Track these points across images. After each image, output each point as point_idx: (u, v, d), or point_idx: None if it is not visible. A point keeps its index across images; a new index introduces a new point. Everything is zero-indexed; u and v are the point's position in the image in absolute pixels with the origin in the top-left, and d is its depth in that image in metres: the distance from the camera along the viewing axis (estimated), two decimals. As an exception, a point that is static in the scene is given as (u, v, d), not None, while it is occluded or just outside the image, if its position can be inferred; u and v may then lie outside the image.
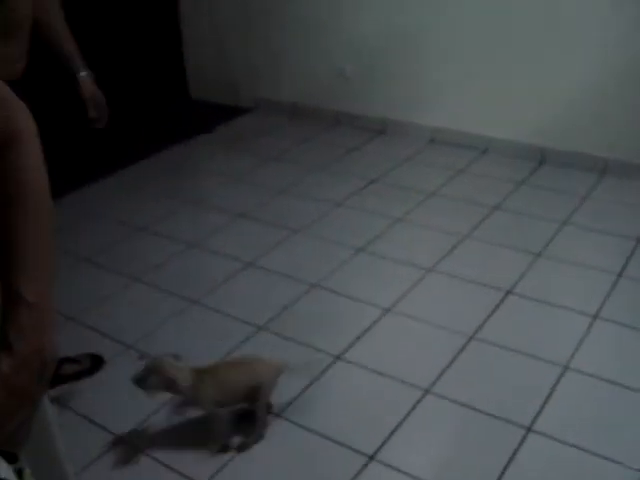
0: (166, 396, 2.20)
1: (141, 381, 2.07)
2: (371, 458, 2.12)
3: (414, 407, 2.30)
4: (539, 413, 2.25)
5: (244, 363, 2.24)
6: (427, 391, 2.36)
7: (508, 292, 2.85)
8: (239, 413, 2.24)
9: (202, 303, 2.87)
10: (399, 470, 2.07)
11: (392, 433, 2.20)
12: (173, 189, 3.87)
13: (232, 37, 4.78)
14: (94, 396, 2.43)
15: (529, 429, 2.19)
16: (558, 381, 2.38)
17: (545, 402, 2.30)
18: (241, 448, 2.17)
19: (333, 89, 4.49)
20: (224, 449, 2.16)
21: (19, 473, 0.95)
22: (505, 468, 2.06)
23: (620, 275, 2.94)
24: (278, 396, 2.27)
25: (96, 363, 2.57)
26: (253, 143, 4.44)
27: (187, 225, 3.49)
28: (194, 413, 2.25)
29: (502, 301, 2.81)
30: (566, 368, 2.44)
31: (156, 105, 4.76)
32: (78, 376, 2.52)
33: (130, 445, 2.22)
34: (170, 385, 2.08)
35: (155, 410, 2.32)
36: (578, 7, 3.53)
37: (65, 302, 2.81)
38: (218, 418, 2.16)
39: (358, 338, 2.63)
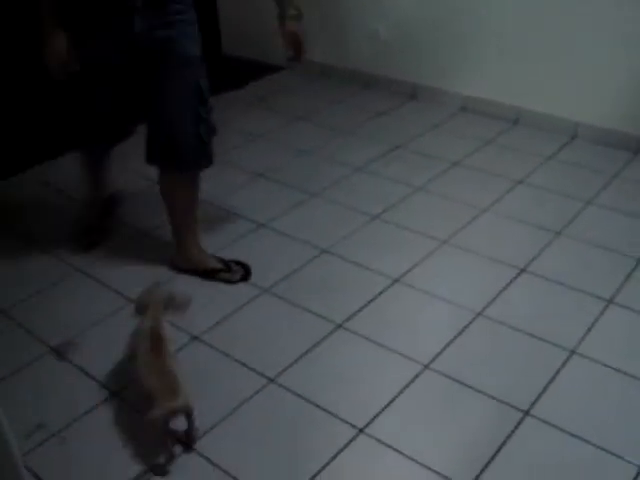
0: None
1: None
2: (360, 431, 2.08)
3: (410, 382, 2.25)
4: (538, 397, 2.19)
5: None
6: (426, 367, 2.31)
7: (522, 270, 2.77)
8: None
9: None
10: (387, 445, 2.03)
11: (385, 408, 2.16)
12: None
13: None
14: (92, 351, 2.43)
15: (527, 413, 2.13)
16: (563, 365, 2.31)
17: (546, 387, 2.23)
18: None
19: (366, 51, 4.39)
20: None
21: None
22: (498, 450, 2.01)
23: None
24: (277, 362, 2.25)
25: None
26: (282, 102, 4.37)
27: (204, 183, 3.44)
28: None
29: (515, 279, 2.73)
30: (573, 352, 2.37)
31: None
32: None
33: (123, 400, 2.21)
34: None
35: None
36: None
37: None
38: None
39: (362, 307, 2.58)
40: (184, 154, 2.57)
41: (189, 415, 2.00)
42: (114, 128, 2.73)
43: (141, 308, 2.25)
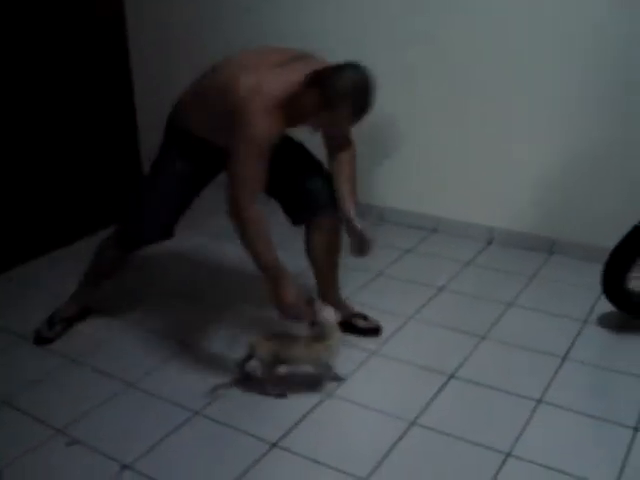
0: None
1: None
2: None
3: (349, 498, 2.22)
4: (478, 504, 2.18)
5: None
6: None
7: (451, 376, 2.80)
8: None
9: (138, 386, 2.77)
10: None
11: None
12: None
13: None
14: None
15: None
16: (500, 469, 2.32)
17: (485, 492, 2.23)
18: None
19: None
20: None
21: None
22: None
23: (565, 358, 2.92)
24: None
25: None
26: (209, 220, 4.38)
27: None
28: None
29: (444, 385, 2.75)
30: (508, 455, 2.38)
31: (109, 184, 4.70)
32: None
33: None
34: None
35: None
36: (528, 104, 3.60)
37: None
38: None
39: (296, 424, 2.55)
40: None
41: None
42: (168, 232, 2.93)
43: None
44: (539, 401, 2.66)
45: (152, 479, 2.30)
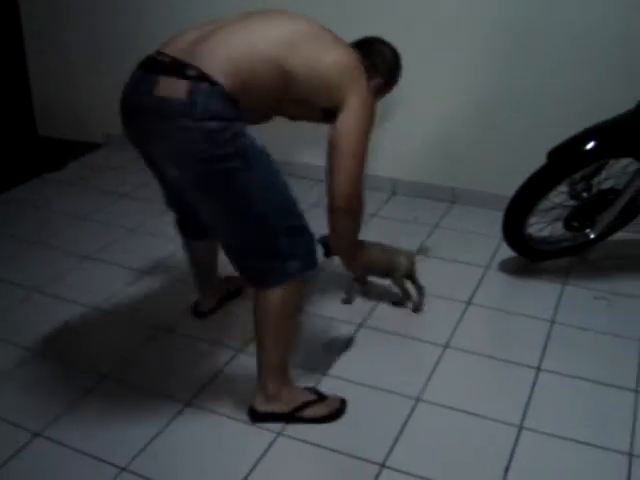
0: None
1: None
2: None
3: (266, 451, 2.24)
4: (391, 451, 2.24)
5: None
6: (279, 433, 2.32)
7: (360, 325, 2.86)
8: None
9: (42, 353, 2.71)
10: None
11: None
12: (16, 230, 3.68)
13: (80, 72, 4.63)
14: None
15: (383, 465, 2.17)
16: (411, 414, 2.38)
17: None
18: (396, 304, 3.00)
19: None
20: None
21: None
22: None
23: (469, 303, 3.01)
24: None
25: None
26: (103, 180, 4.30)
27: (28, 270, 3.31)
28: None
29: (355, 333, 2.80)
30: (418, 400, 2.45)
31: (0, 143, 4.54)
32: None
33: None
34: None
35: None
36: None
37: None
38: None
39: (208, 382, 2.55)
40: None
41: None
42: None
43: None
44: (445, 346, 2.74)
45: (64, 445, 2.27)
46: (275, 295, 2.16)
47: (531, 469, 2.19)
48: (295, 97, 2.16)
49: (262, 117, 2.25)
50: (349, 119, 2.14)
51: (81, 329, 2.87)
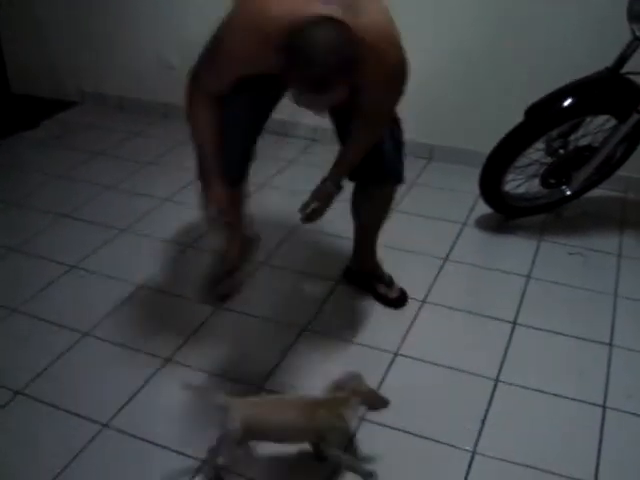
0: None
1: None
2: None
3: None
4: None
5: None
6: (260, 387, 2.34)
7: (337, 282, 2.89)
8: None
9: (23, 311, 2.71)
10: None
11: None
12: (-10, 190, 3.64)
13: (54, 29, 4.55)
14: None
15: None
16: (389, 368, 2.41)
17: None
18: None
19: (161, 81, 4.36)
20: None
21: None
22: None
23: (446, 259, 3.03)
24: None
25: None
26: (78, 138, 4.25)
27: (6, 229, 3.28)
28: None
29: (333, 290, 2.83)
30: (396, 355, 2.49)
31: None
32: None
33: None
34: None
35: None
36: None
37: None
38: None
39: (186, 340, 2.56)
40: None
41: None
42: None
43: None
44: (423, 301, 2.77)
45: (44, 402, 2.28)
46: None
47: (507, 421, 2.23)
48: None
49: None
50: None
51: (58, 288, 2.86)
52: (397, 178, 2.57)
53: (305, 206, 2.39)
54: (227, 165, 2.33)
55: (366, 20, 1.94)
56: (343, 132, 2.43)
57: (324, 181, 2.39)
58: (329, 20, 1.84)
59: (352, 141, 2.35)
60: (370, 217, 2.71)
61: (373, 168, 2.46)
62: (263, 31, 1.93)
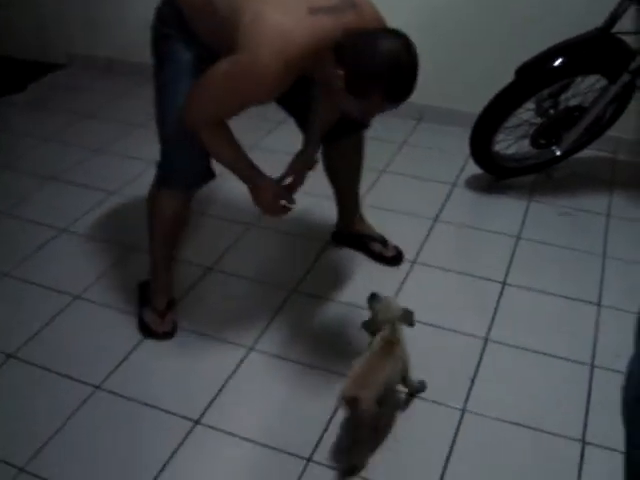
0: None
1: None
2: (196, 422, 2.08)
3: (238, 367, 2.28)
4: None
5: None
6: (251, 349, 2.36)
7: (326, 242, 2.90)
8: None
9: (13, 275, 2.71)
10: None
11: (214, 398, 2.18)
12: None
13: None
14: None
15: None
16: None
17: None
18: None
19: (149, 43, 4.30)
20: None
21: None
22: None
23: (436, 220, 3.04)
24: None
25: None
26: (67, 100, 4.22)
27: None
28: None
29: (322, 251, 2.83)
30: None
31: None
32: None
33: None
34: None
35: None
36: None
37: None
38: None
39: (178, 302, 2.57)
40: None
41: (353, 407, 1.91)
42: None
43: (374, 324, 2.08)
44: (413, 262, 2.78)
45: (36, 365, 2.29)
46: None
47: (496, 379, 2.26)
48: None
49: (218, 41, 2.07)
50: (222, 64, 1.94)
51: (48, 251, 2.85)
52: (363, 123, 2.54)
53: (280, 179, 2.35)
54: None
55: (368, 16, 1.98)
56: (302, 116, 2.43)
57: (298, 154, 2.41)
58: (400, 36, 1.91)
59: (320, 120, 2.36)
60: (348, 171, 2.73)
61: (340, 121, 2.39)
62: (292, 58, 1.86)
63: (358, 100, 1.92)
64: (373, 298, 2.10)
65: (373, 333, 2.06)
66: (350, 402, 1.89)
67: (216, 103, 2.01)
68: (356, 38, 1.87)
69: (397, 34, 1.90)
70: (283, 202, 2.27)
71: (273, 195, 2.22)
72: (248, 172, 2.19)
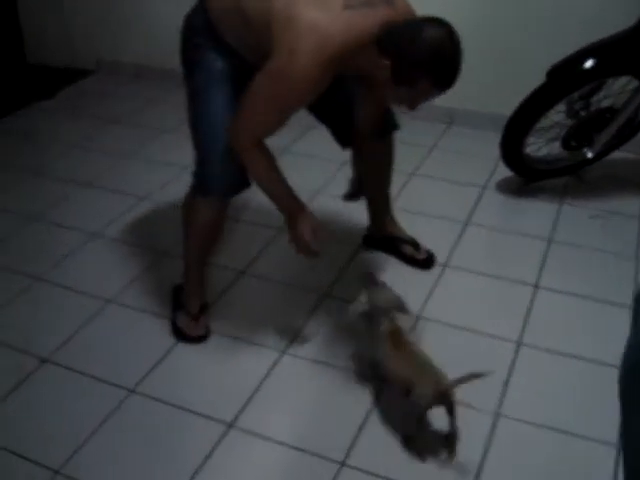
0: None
1: None
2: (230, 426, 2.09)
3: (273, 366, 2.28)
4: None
5: None
6: (284, 352, 2.36)
7: (357, 248, 2.90)
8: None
9: (47, 279, 2.73)
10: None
11: (249, 399, 2.19)
12: (10, 160, 3.64)
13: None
14: None
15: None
16: (411, 329, 2.42)
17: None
18: None
19: (177, 49, 4.32)
20: None
21: None
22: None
23: (467, 223, 3.03)
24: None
25: None
26: (96, 107, 4.25)
27: (27, 198, 3.30)
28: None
29: (353, 256, 2.83)
30: (418, 318, 2.49)
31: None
32: None
33: None
34: None
35: None
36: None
37: None
38: None
39: (211, 306, 2.57)
40: None
41: (450, 403, 1.94)
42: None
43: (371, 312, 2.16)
44: (445, 265, 2.77)
45: (70, 369, 2.31)
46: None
47: (529, 382, 2.25)
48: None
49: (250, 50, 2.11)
50: (259, 77, 1.97)
51: (82, 255, 2.88)
52: (394, 124, 2.58)
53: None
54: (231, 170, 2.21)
55: (401, 9, 2.00)
56: (334, 120, 2.49)
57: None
58: (443, 24, 1.92)
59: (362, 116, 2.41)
60: (379, 173, 2.71)
61: (371, 123, 2.45)
62: (330, 55, 1.88)
63: (405, 89, 1.95)
64: (366, 281, 2.20)
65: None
66: (446, 396, 1.92)
67: (262, 115, 2.01)
68: (400, 28, 1.91)
69: (440, 22, 1.92)
70: (316, 245, 2.20)
71: (312, 228, 2.17)
72: (287, 201, 2.18)
